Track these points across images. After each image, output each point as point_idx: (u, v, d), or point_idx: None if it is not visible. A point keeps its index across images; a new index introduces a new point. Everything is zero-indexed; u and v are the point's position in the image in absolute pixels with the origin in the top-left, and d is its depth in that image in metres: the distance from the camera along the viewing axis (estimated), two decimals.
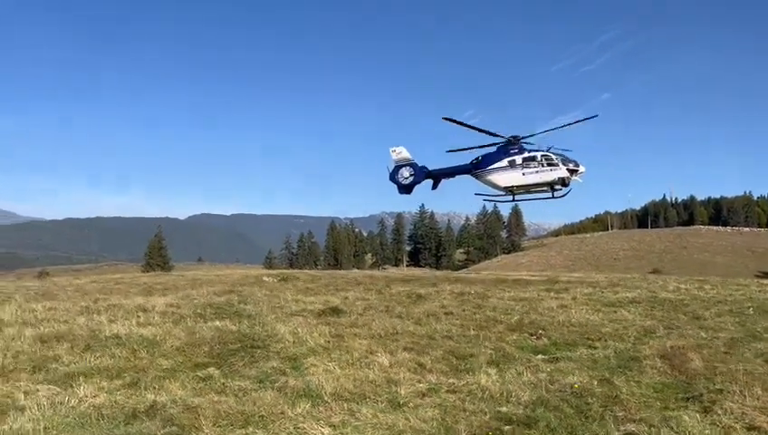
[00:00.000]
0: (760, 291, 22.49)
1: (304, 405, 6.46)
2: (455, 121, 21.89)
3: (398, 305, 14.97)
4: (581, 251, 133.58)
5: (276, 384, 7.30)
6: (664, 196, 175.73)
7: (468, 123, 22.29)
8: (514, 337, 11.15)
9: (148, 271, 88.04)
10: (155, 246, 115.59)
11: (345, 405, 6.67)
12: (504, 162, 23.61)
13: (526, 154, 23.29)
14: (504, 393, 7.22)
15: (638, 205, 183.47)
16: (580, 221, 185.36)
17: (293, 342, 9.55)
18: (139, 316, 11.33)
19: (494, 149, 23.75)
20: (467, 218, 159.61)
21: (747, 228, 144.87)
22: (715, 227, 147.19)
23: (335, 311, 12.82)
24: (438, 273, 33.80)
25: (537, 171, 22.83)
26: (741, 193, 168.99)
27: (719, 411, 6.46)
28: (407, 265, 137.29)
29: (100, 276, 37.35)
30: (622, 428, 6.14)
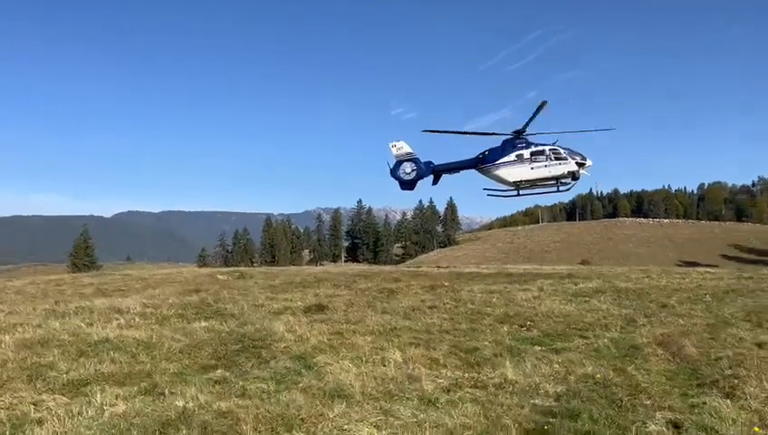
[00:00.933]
0: (703, 279, 23.66)
1: (339, 406, 6.20)
2: (436, 132, 21.77)
3: (377, 301, 14.77)
4: (514, 244, 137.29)
5: (300, 385, 6.99)
6: (590, 190, 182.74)
7: (450, 130, 22.17)
8: (506, 329, 11.20)
9: (74, 271, 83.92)
10: (81, 246, 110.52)
11: (377, 404, 6.45)
12: (512, 156, 23.30)
13: (534, 148, 23.06)
14: (532, 386, 7.20)
15: (566, 198, 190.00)
16: (512, 214, 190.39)
17: (294, 340, 9.21)
18: (117, 318, 10.63)
19: (498, 142, 23.38)
20: (404, 213, 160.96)
21: (667, 220, 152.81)
22: (637, 219, 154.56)
23: (320, 308, 12.50)
24: (388, 268, 33.79)
25: (546, 165, 22.61)
26: (660, 187, 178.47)
27: (743, 397, 6.66)
28: (344, 261, 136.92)
29: (36, 277, 35.14)
30: (658, 415, 6.22)
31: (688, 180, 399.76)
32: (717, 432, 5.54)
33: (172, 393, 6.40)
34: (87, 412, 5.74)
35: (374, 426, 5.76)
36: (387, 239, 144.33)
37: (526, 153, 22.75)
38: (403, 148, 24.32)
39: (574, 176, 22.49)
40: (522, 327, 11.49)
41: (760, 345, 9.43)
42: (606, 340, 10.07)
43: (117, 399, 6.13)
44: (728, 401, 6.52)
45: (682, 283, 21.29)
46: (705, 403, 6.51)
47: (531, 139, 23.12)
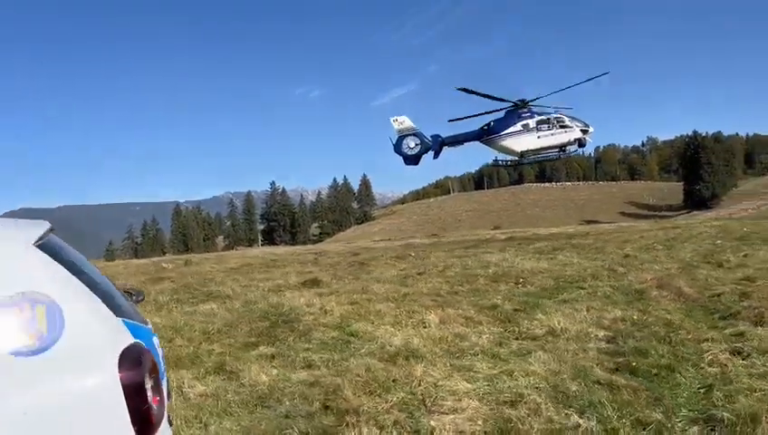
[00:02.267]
0: (639, 230, 25.26)
1: (420, 366, 6.14)
2: (470, 91, 21.48)
3: (360, 273, 14.71)
4: (429, 215, 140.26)
5: (361, 351, 6.86)
6: (495, 159, 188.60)
7: (478, 91, 21.90)
8: (504, 287, 11.47)
9: None
10: None
11: (447, 361, 6.46)
12: (518, 126, 23.35)
13: (539, 117, 23.15)
14: (581, 332, 7.44)
15: (473, 168, 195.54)
16: (423, 187, 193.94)
17: (319, 312, 9.00)
18: None
19: (501, 114, 23.12)
20: (319, 192, 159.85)
21: (569, 183, 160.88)
22: (542, 184, 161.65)
23: (315, 282, 12.26)
24: (334, 247, 33.63)
25: (552, 133, 22.90)
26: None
27: None
28: (261, 244, 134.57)
29: None
30: (712, 346, 6.61)
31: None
32: None
33: (240, 371, 6.10)
34: (171, 398, 5.35)
35: (466, 380, 5.77)
36: (303, 220, 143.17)
37: (532, 123, 23.09)
38: (405, 122, 23.91)
39: (581, 143, 23.15)
40: (517, 284, 11.79)
41: (749, 279, 10.20)
42: (608, 288, 10.53)
43: (193, 380, 5.77)
44: (762, 329, 7.01)
45: (622, 236, 22.64)
46: (743, 333, 6.97)
47: (538, 108, 23.34)
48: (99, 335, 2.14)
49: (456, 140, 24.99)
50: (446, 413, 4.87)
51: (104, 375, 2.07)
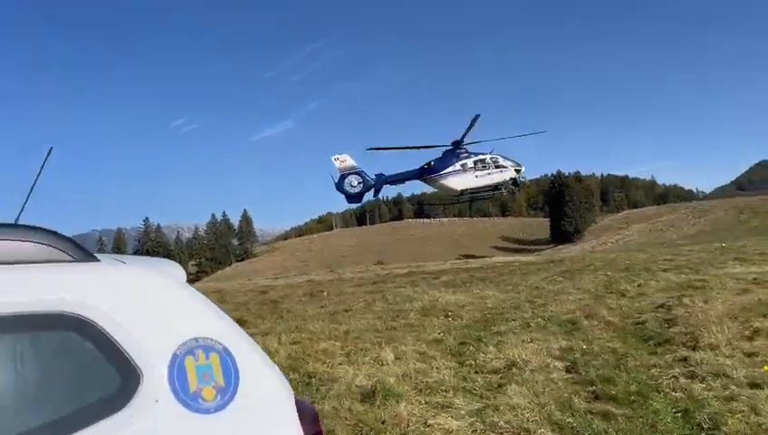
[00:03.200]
0: (526, 263, 26.60)
1: (402, 405, 5.94)
2: (381, 148, 21.47)
3: (280, 311, 14.18)
4: (312, 251, 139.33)
5: (331, 393, 6.53)
6: (378, 197, 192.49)
7: (394, 146, 22.03)
8: (435, 321, 11.50)
9: None
10: None
11: (422, 399, 6.33)
12: (458, 166, 23.66)
13: (476, 158, 23.52)
14: (543, 363, 7.59)
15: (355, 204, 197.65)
16: (306, 223, 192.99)
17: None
18: None
19: (439, 152, 23.32)
20: (196, 228, 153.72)
21: (446, 219, 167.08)
22: (421, 220, 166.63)
23: (241, 322, 11.57)
24: (226, 285, 32.31)
25: (489, 173, 23.39)
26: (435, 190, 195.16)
27: (710, 347, 7.68)
28: None
29: None
30: (662, 372, 7.00)
31: None
32: (730, 376, 6.39)
33: None
34: None
35: (452, 417, 5.64)
36: (180, 257, 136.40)
37: (470, 162, 23.67)
38: (346, 161, 23.65)
39: (515, 182, 24.00)
40: (447, 317, 11.90)
41: (663, 307, 10.99)
42: (539, 319, 10.88)
43: None
44: (703, 352, 7.53)
45: (520, 268, 23.74)
46: (686, 358, 7.44)
47: (473, 148, 23.93)
48: (273, 384, 1.86)
49: (398, 179, 25.39)
50: None
51: (289, 431, 1.78)
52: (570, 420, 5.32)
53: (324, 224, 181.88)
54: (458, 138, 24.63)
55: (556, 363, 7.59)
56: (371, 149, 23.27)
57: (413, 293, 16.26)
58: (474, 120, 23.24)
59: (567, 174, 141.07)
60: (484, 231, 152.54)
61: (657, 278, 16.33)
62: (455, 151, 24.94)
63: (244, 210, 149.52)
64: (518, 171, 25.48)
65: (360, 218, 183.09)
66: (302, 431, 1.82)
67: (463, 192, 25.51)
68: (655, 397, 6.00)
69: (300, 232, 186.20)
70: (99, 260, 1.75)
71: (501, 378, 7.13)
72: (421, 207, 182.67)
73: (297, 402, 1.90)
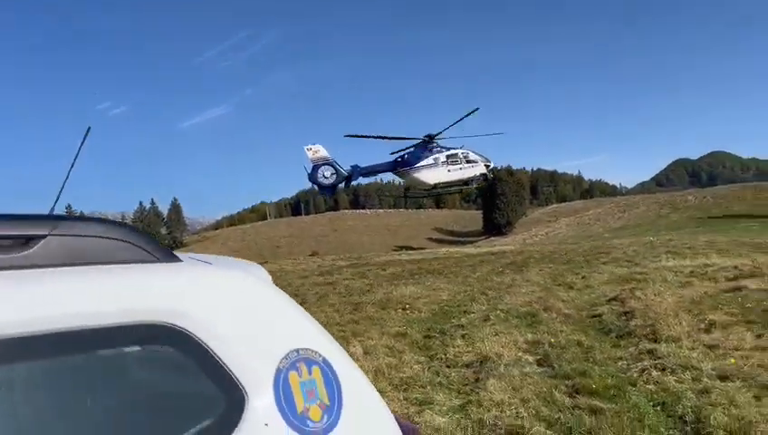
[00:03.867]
0: (468, 255, 26.98)
1: None
2: (358, 136, 21.29)
3: None
4: (245, 241, 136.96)
5: None
6: (312, 185, 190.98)
7: (370, 135, 21.93)
8: (394, 314, 11.42)
9: None
10: None
11: (401, 395, 6.21)
12: (430, 160, 23.80)
13: (448, 152, 23.66)
14: (513, 357, 7.59)
15: (289, 194, 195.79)
16: (239, 212, 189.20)
17: None
18: None
19: (409, 142, 23.49)
20: (123, 217, 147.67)
21: (382, 210, 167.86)
22: (358, 211, 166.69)
23: None
24: None
25: (461, 168, 23.60)
26: (372, 181, 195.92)
27: (671, 339, 7.93)
28: None
29: None
30: (638, 364, 7.14)
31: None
32: (698, 368, 6.57)
33: None
34: None
35: (437, 414, 5.53)
36: None
37: (442, 157, 23.77)
38: (319, 151, 23.30)
39: (486, 177, 24.28)
40: (405, 310, 11.83)
41: (616, 299, 11.28)
42: (498, 312, 10.95)
43: None
44: (666, 345, 7.73)
45: (465, 260, 24.00)
46: (651, 350, 7.62)
47: (444, 143, 24.08)
48: (374, 400, 1.64)
49: (373, 171, 25.35)
50: None
51: None
52: (559, 415, 5.31)
53: (258, 213, 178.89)
54: (429, 131, 25.16)
55: (527, 357, 7.62)
56: (349, 136, 23.22)
57: (364, 285, 16.13)
58: (470, 113, 23.56)
59: (499, 168, 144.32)
60: (419, 223, 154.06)
61: (598, 271, 16.86)
62: (427, 145, 25.20)
63: (174, 199, 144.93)
64: (487, 166, 26.13)
65: (295, 208, 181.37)
66: None
67: (435, 186, 26.01)
68: (631, 390, 6.09)
69: (232, 221, 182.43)
70: (181, 260, 1.49)
71: (475, 373, 7.08)
72: (357, 198, 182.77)
73: (397, 420, 1.70)
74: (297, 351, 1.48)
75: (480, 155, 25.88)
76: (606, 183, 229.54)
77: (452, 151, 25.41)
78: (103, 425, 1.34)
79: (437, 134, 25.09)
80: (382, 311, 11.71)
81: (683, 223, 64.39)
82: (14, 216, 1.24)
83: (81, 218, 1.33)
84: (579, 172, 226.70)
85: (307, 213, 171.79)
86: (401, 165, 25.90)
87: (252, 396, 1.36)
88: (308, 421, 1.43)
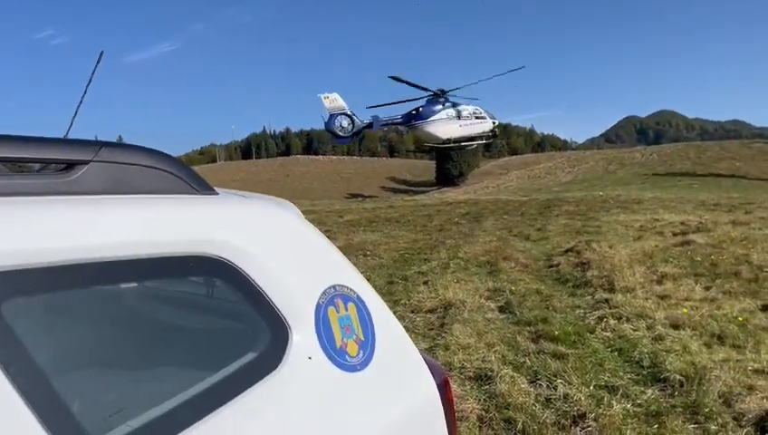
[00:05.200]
0: (425, 205, 27.19)
1: None
2: (402, 81, 21.83)
3: None
4: None
5: None
6: (263, 128, 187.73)
7: (409, 81, 22.63)
8: (354, 260, 11.45)
9: None
10: None
11: None
12: (443, 114, 24.60)
13: (460, 108, 24.52)
14: (477, 304, 7.76)
15: (240, 137, 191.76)
16: (186, 154, 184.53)
17: None
18: None
19: (423, 102, 24.27)
20: None
21: (335, 156, 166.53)
22: (310, 157, 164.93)
23: None
24: None
25: (471, 124, 24.72)
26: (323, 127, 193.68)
27: (625, 290, 8.26)
28: None
29: None
30: (595, 313, 7.41)
31: None
32: (652, 317, 6.87)
33: None
34: None
35: None
36: None
37: (454, 112, 24.33)
38: (336, 101, 23.52)
39: (495, 133, 25.27)
40: (365, 256, 11.91)
41: (572, 250, 11.61)
42: (458, 260, 11.16)
43: None
44: (621, 295, 8.02)
45: (421, 210, 24.19)
46: (606, 300, 7.89)
47: (455, 99, 24.97)
48: (403, 338, 1.67)
49: (391, 122, 25.86)
50: None
51: (428, 389, 1.66)
52: (524, 359, 5.48)
53: (207, 156, 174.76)
54: (441, 86, 26.27)
55: (489, 304, 7.80)
56: (394, 78, 23.80)
57: (323, 232, 16.05)
58: (514, 69, 25.09)
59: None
60: (372, 171, 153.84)
61: (552, 223, 17.29)
62: (439, 100, 26.08)
63: (119, 137, 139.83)
64: (494, 123, 27.38)
65: (246, 152, 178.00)
66: (438, 392, 1.64)
67: (447, 141, 27.23)
68: (590, 337, 6.33)
69: None
70: (218, 193, 1.43)
71: (439, 318, 7.22)
72: (310, 143, 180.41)
73: (424, 358, 1.71)
74: (334, 287, 1.49)
75: (487, 112, 27.07)
76: (557, 138, 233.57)
77: (463, 107, 26.43)
78: (148, 355, 1.31)
79: (453, 89, 26.11)
80: (347, 255, 11.71)
81: (630, 179, 66.28)
82: (57, 139, 1.16)
83: (125, 146, 1.25)
84: (531, 126, 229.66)
85: (258, 157, 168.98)
86: (415, 118, 26.87)
87: (294, 330, 1.36)
88: (346, 356, 1.44)
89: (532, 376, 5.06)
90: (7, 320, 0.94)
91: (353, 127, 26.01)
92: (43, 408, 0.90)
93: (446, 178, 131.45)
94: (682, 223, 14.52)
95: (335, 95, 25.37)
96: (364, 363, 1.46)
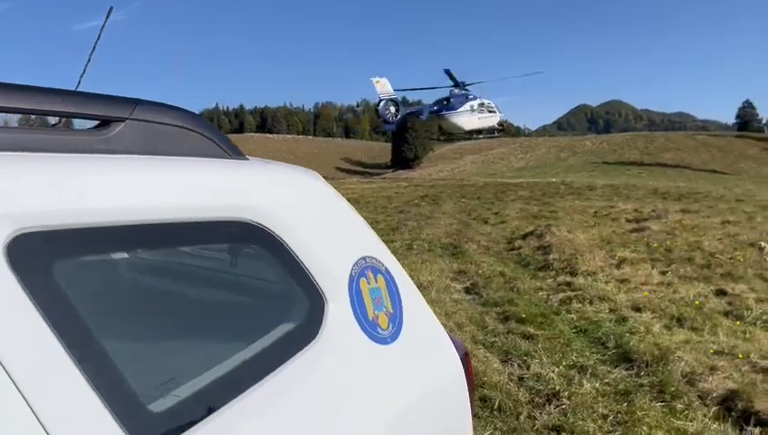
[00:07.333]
0: (382, 188, 27.21)
1: None
2: (452, 77, 23.12)
3: None
4: None
5: None
6: (216, 104, 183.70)
7: (456, 79, 23.77)
8: None
9: None
10: None
11: None
12: (467, 106, 26.25)
13: (478, 101, 25.98)
14: (442, 285, 7.81)
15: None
16: None
17: None
18: None
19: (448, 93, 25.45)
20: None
21: (290, 136, 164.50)
22: (264, 135, 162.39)
23: None
24: None
25: (486, 117, 26.18)
26: (282, 104, 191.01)
27: (588, 273, 8.46)
28: None
29: None
30: (558, 296, 7.57)
31: (306, 99, 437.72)
32: (613, 300, 7.06)
33: None
34: None
35: None
36: None
37: (475, 105, 25.78)
38: (386, 86, 24.16)
39: (503, 127, 26.87)
40: None
41: (533, 234, 11.81)
42: (421, 242, 11.20)
43: None
44: (582, 278, 8.21)
45: (380, 192, 24.19)
46: (569, 283, 8.07)
47: (470, 92, 26.40)
48: (428, 312, 1.67)
49: (435, 111, 27.65)
50: None
51: (453, 362, 1.66)
52: (494, 339, 5.56)
53: None
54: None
55: (455, 285, 7.88)
56: (448, 72, 25.59)
57: None
58: (533, 73, 27.66)
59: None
60: (327, 151, 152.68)
61: (509, 208, 17.57)
62: (464, 94, 27.79)
63: None
64: (501, 117, 29.61)
65: None
66: (462, 366, 1.63)
67: (468, 131, 29.57)
68: (555, 318, 6.47)
69: None
70: (248, 159, 1.36)
71: None
72: (264, 121, 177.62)
73: (451, 335, 1.70)
74: (365, 258, 1.46)
75: (496, 106, 28.92)
76: (511, 124, 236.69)
77: (481, 101, 28.20)
78: (188, 321, 1.26)
79: (472, 84, 27.83)
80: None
81: (580, 167, 67.98)
82: (92, 95, 1.07)
83: (159, 105, 1.17)
84: None
85: None
86: (445, 108, 28.90)
87: (330, 300, 1.31)
88: (378, 328, 1.42)
89: (504, 356, 5.14)
90: (59, 281, 0.87)
91: (399, 114, 27.51)
92: (94, 373, 0.84)
93: (402, 160, 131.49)
94: (635, 210, 14.96)
95: (384, 80, 26.19)
96: (393, 336, 1.44)
